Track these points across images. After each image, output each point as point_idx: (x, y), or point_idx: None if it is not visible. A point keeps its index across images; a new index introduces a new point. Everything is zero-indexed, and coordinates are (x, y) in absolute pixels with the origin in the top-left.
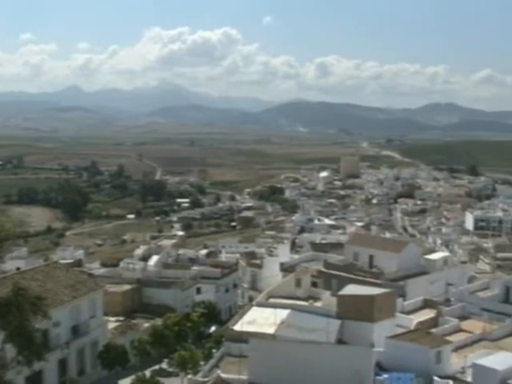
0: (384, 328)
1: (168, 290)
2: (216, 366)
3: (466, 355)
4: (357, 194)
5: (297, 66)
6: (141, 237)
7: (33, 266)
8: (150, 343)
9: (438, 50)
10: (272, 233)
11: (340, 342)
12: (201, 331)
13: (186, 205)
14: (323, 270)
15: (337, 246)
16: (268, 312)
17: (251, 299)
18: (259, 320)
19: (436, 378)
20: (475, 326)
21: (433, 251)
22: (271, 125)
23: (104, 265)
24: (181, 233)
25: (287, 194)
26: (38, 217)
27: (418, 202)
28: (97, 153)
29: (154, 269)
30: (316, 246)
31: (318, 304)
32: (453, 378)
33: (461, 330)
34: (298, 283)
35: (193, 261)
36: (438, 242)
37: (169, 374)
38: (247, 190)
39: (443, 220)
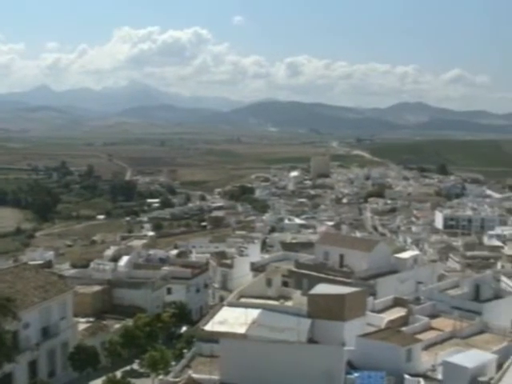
0: (355, 327)
1: (138, 291)
2: (187, 366)
3: (437, 353)
4: (327, 193)
5: (267, 65)
6: (111, 237)
7: (2, 267)
8: (121, 344)
9: (408, 50)
10: (242, 232)
11: (311, 341)
12: (172, 331)
13: (156, 205)
14: (294, 269)
15: (307, 246)
16: (239, 312)
17: (222, 299)
18: (230, 320)
19: (407, 376)
20: (445, 324)
21: (403, 250)
22: (241, 124)
23: (74, 266)
24: (151, 233)
25: (257, 193)
26: (7, 218)
27: (388, 201)
28: (66, 153)
29: (125, 269)
30: (286, 246)
31: (289, 303)
32: (423, 375)
33: (431, 328)
34: (269, 283)
35: (163, 261)
36: (408, 240)
37: (140, 375)
38: (217, 189)
39: (413, 219)
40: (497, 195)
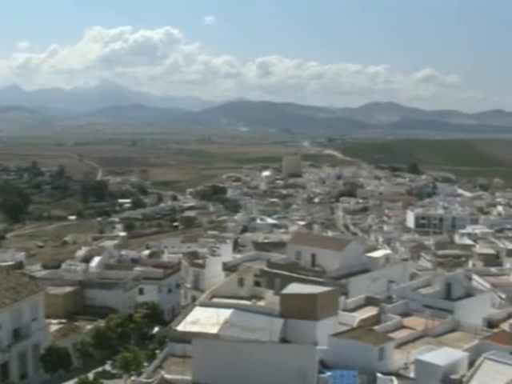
0: (327, 326)
1: (110, 292)
2: (159, 366)
3: (409, 351)
4: (299, 193)
5: (238, 65)
6: (82, 238)
7: None
8: (93, 345)
9: (379, 49)
10: (214, 232)
11: (283, 340)
12: (144, 332)
13: (128, 205)
14: (266, 269)
15: (279, 245)
16: (211, 312)
17: (194, 299)
18: (202, 320)
19: (379, 375)
20: (417, 322)
21: (375, 249)
22: (213, 124)
23: (45, 267)
24: (123, 233)
25: (229, 193)
26: None
27: (360, 201)
28: (37, 153)
29: (96, 270)
30: (258, 246)
31: (261, 303)
32: (396, 374)
33: (403, 327)
34: (241, 283)
35: (135, 261)
36: (380, 239)
37: (112, 376)
38: (189, 189)
39: (385, 218)
40: (468, 194)
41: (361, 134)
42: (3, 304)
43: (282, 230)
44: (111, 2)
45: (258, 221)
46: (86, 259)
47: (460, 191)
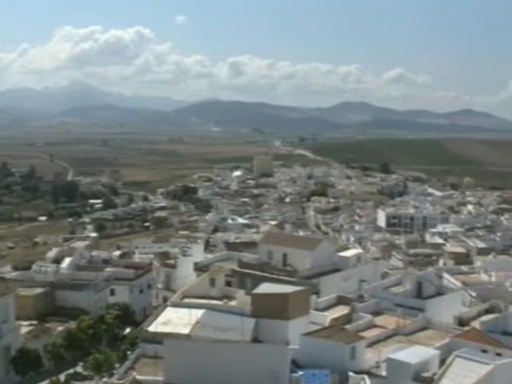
0: (299, 325)
1: (81, 293)
2: (131, 367)
3: (380, 350)
4: (270, 192)
5: (209, 65)
6: (53, 239)
7: None
8: (64, 347)
9: (350, 49)
10: (186, 232)
11: (255, 340)
12: (115, 333)
13: (99, 206)
14: (237, 269)
15: (251, 245)
16: (182, 312)
17: (165, 300)
18: (174, 320)
19: (351, 374)
20: (388, 321)
21: (346, 248)
22: (184, 124)
23: (16, 268)
24: (94, 234)
25: (200, 193)
26: None
27: (331, 200)
28: (7, 153)
29: (67, 271)
30: (230, 246)
31: (233, 303)
32: (367, 372)
33: (374, 326)
34: (212, 283)
35: (106, 262)
36: (351, 239)
37: (84, 378)
38: (160, 190)
39: (356, 217)
40: (438, 193)
41: (332, 134)
42: None
43: (254, 230)
44: (81, 1)
45: (230, 221)
46: (57, 260)
47: (431, 190)
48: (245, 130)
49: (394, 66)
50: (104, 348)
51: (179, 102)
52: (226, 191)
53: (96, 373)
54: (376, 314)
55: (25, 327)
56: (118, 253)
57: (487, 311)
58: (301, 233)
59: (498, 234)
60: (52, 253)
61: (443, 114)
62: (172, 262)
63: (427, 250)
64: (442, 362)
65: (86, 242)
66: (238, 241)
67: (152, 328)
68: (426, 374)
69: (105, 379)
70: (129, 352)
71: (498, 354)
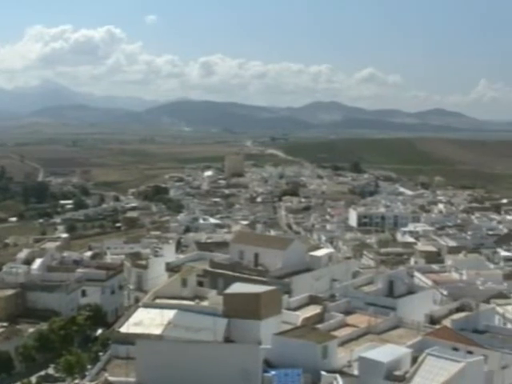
0: (271, 325)
1: (52, 294)
2: (103, 369)
3: (352, 349)
4: (241, 192)
5: (180, 65)
6: (24, 240)
7: None
8: (36, 348)
9: (321, 49)
10: (157, 233)
11: (227, 340)
12: (87, 334)
13: (70, 206)
14: (209, 269)
15: (222, 245)
16: (154, 313)
17: (137, 300)
18: (146, 321)
19: (323, 373)
20: (360, 320)
21: (317, 248)
22: (155, 124)
23: None
24: (65, 235)
25: (172, 193)
26: None
27: (303, 200)
28: None
29: (38, 272)
30: (201, 246)
31: (205, 303)
32: (340, 371)
33: (346, 325)
34: (184, 283)
35: (77, 263)
36: (323, 238)
37: (55, 380)
38: (131, 190)
39: (327, 217)
40: (409, 192)
41: (303, 134)
42: None
43: (225, 230)
44: (52, 0)
45: (201, 221)
46: (28, 261)
47: (402, 190)
48: (216, 129)
49: (365, 66)
50: (76, 349)
51: (150, 101)
52: (198, 191)
53: (68, 374)
54: (348, 313)
55: None
56: (89, 253)
57: (458, 309)
58: (272, 232)
59: (469, 233)
60: (23, 254)
61: (414, 114)
62: (143, 262)
63: (398, 249)
64: (414, 360)
65: (57, 243)
66: (209, 241)
67: (124, 329)
68: (397, 373)
69: (77, 381)
70: (101, 353)
71: (469, 352)
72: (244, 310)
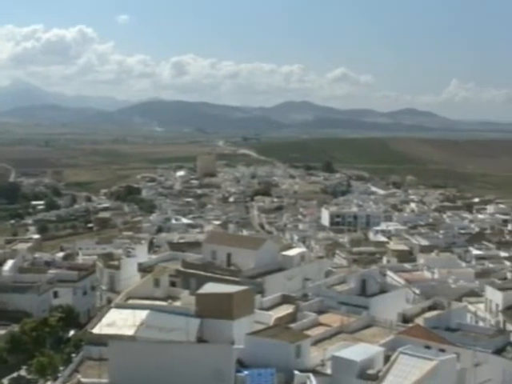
0: (243, 325)
1: (24, 295)
2: (76, 370)
3: (325, 348)
4: (214, 192)
5: (152, 64)
6: None
7: None
8: (7, 350)
9: (293, 49)
10: (129, 233)
11: (200, 340)
12: (59, 336)
13: (42, 207)
14: (181, 269)
15: (194, 245)
16: (127, 313)
17: (110, 301)
18: (118, 322)
19: (296, 372)
20: (333, 319)
21: (290, 247)
22: (127, 124)
23: None
24: (36, 236)
25: (144, 193)
26: None
27: (275, 200)
28: None
29: (9, 273)
30: (174, 246)
31: (177, 304)
32: (313, 371)
33: (319, 324)
34: (157, 283)
35: (49, 264)
36: (295, 238)
37: (28, 382)
38: (103, 190)
39: (300, 216)
40: (381, 192)
41: (276, 134)
42: None
43: (198, 230)
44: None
45: (173, 221)
46: None
47: (374, 189)
48: (188, 129)
49: (336, 66)
50: (48, 351)
51: (122, 101)
52: (170, 191)
53: (40, 376)
54: (320, 312)
55: None
56: (61, 254)
57: (430, 308)
58: (245, 232)
59: (441, 232)
60: None
61: (386, 114)
62: (116, 263)
63: (371, 248)
64: (387, 358)
65: (29, 244)
66: (181, 241)
67: (96, 330)
68: (370, 371)
69: (49, 382)
70: (73, 355)
71: (442, 350)
72: (217, 310)
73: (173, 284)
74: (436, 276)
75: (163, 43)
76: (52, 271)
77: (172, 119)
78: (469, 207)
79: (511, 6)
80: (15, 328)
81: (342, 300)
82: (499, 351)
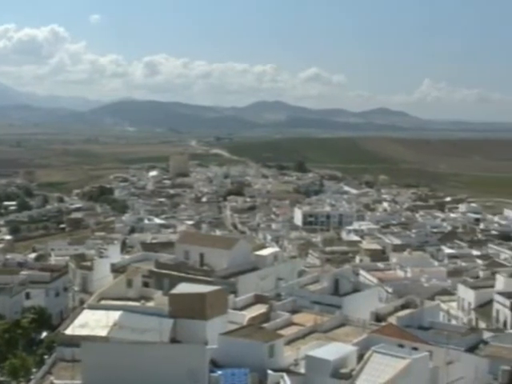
0: (217, 325)
1: None
2: (49, 372)
3: (299, 348)
4: (186, 192)
5: (125, 64)
6: None
7: None
8: None
9: (266, 49)
10: (102, 234)
11: (173, 341)
12: (32, 337)
13: (13, 208)
14: (154, 269)
15: (167, 246)
16: (100, 314)
17: (82, 302)
18: (91, 323)
19: (270, 372)
20: (306, 318)
21: (263, 247)
22: (99, 124)
23: None
24: (8, 237)
25: (116, 194)
26: None
27: (248, 199)
28: None
29: None
30: (147, 246)
31: (150, 304)
32: (286, 370)
33: (292, 324)
34: (130, 284)
35: (21, 265)
36: (268, 237)
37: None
38: (76, 190)
39: (272, 216)
40: (354, 191)
41: (248, 133)
42: None
43: (170, 230)
44: None
45: (146, 221)
46: None
47: (346, 188)
48: (160, 129)
49: (309, 66)
50: (20, 353)
51: (94, 101)
52: (143, 191)
53: (13, 378)
54: (294, 312)
55: None
56: (33, 255)
57: (403, 306)
58: (218, 232)
59: (413, 231)
60: None
61: (359, 113)
62: (88, 263)
63: (343, 248)
64: (360, 357)
65: (1, 245)
66: (154, 241)
67: (69, 331)
68: (344, 370)
69: None
70: (46, 356)
71: (415, 349)
72: (190, 310)
73: (146, 284)
74: (409, 275)
75: (136, 43)
76: (24, 272)
77: (144, 119)
78: (441, 206)
79: (482, 7)
80: None
81: (315, 299)
82: (472, 349)
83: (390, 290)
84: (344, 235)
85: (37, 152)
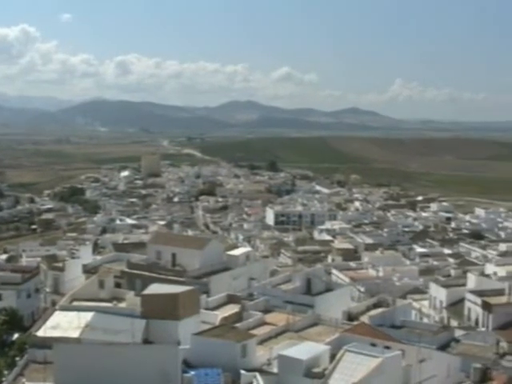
0: (189, 325)
1: None
2: (20, 374)
3: (271, 347)
4: (158, 192)
5: (96, 64)
6: None
7: None
8: None
9: (237, 48)
10: (74, 234)
11: (146, 341)
12: (3, 339)
13: None
14: (126, 270)
15: (139, 246)
16: (72, 315)
17: (54, 303)
18: (63, 324)
19: (243, 372)
20: (279, 318)
21: (235, 247)
22: (70, 124)
23: None
24: None
25: (88, 194)
26: None
27: (220, 199)
28: None
29: None
30: (118, 247)
31: (122, 305)
32: (259, 370)
33: (265, 323)
34: (101, 284)
35: None
36: (240, 237)
37: None
38: (47, 191)
39: (244, 216)
40: (326, 191)
41: (220, 133)
42: None
43: (142, 231)
44: None
45: (118, 221)
46: None
47: (318, 188)
48: (132, 129)
49: (281, 65)
50: None
51: (65, 101)
52: (114, 192)
53: None
54: (266, 311)
55: None
56: (4, 256)
57: (375, 305)
58: (190, 232)
59: (385, 230)
60: None
61: (330, 113)
62: (60, 264)
63: (316, 247)
64: (333, 356)
65: None
66: (126, 242)
67: (41, 333)
68: (316, 370)
69: None
70: (17, 358)
71: (387, 347)
72: (162, 310)
73: (118, 285)
74: (381, 274)
75: (107, 42)
76: None
77: (116, 119)
78: (412, 205)
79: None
80: None
81: (288, 299)
82: (444, 347)
83: (362, 289)
84: (316, 235)
85: (7, 152)
